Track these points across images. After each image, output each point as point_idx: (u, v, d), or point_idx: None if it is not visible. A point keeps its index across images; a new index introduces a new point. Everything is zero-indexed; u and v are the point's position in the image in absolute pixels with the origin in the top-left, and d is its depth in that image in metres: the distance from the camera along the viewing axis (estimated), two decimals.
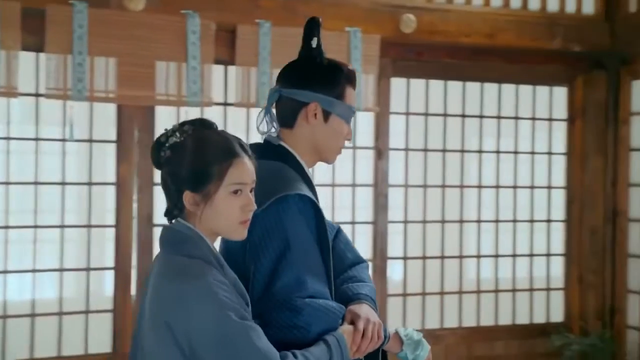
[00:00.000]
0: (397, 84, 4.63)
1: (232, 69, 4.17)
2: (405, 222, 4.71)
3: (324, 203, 2.00)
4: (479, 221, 4.90)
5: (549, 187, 5.08)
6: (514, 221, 4.98)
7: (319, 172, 4.01)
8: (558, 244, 5.10)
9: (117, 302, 4.05)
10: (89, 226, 4.14)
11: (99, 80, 3.81)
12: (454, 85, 4.82)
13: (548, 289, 5.05)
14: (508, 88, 4.94)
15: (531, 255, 5.03)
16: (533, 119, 5.03)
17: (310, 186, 1.81)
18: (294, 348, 1.58)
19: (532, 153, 5.04)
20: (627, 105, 4.91)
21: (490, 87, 4.91)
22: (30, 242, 4.01)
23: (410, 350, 1.81)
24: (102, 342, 4.06)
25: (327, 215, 1.87)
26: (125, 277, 4.04)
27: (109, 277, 4.14)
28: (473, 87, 4.87)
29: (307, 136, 1.83)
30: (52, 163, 4.15)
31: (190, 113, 4.06)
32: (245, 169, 1.60)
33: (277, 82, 1.87)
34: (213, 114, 4.23)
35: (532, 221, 5.03)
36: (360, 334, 1.69)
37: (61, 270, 4.07)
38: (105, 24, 3.81)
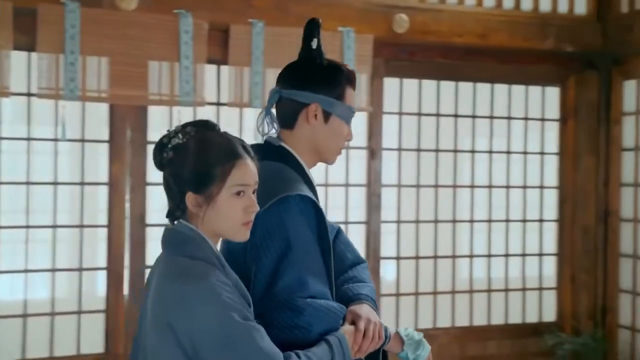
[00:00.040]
0: (390, 84, 4.63)
1: (224, 68, 4.16)
2: (398, 222, 4.72)
3: None
4: (471, 221, 4.91)
5: (542, 187, 5.09)
6: (507, 221, 4.99)
7: (312, 172, 4.00)
8: (550, 243, 5.11)
9: (109, 302, 4.03)
10: (81, 226, 4.13)
11: (91, 79, 3.80)
12: (447, 85, 4.83)
13: (540, 289, 5.06)
14: (501, 88, 4.95)
15: (524, 255, 5.04)
16: (525, 119, 5.04)
17: (311, 187, 1.82)
18: (295, 348, 1.58)
19: (525, 153, 5.06)
20: (619, 105, 4.93)
21: (483, 87, 4.92)
22: (22, 242, 3.99)
23: (411, 350, 1.82)
24: (94, 342, 4.05)
25: None
26: (118, 277, 4.03)
27: (102, 277, 4.13)
28: (466, 87, 4.88)
29: (307, 137, 1.84)
30: (44, 163, 4.13)
31: (183, 113, 4.05)
32: (248, 171, 1.60)
33: (277, 83, 1.87)
34: (206, 114, 4.22)
35: (524, 221, 5.04)
36: (362, 334, 1.70)
37: (53, 270, 4.05)
38: (97, 24, 3.80)
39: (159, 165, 1.63)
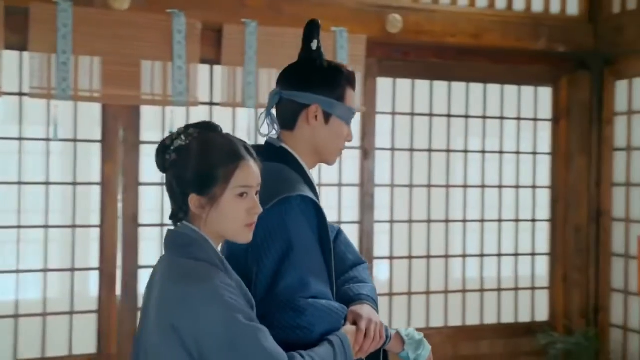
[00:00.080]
0: (383, 84, 4.64)
1: (218, 68, 4.16)
2: (392, 221, 4.72)
3: None
4: (464, 221, 4.92)
5: (534, 187, 5.10)
6: (499, 221, 5.00)
7: None
8: (543, 243, 5.13)
9: (102, 302, 4.02)
10: (73, 226, 4.11)
11: (84, 79, 3.79)
12: (440, 85, 4.84)
13: (533, 288, 5.07)
14: (493, 88, 4.96)
15: (516, 254, 5.05)
16: (518, 119, 5.06)
17: (312, 187, 1.83)
18: (297, 348, 1.59)
19: (517, 153, 5.07)
20: (611, 105, 4.95)
21: (476, 87, 4.93)
22: (14, 243, 3.97)
23: (412, 350, 1.83)
24: (86, 343, 4.03)
25: None
26: (110, 277, 4.02)
27: (94, 277, 4.11)
28: (459, 87, 4.89)
29: (307, 138, 1.84)
30: (36, 163, 4.11)
31: (176, 113, 4.05)
32: (251, 172, 1.60)
33: (277, 84, 1.88)
34: (199, 114, 4.21)
35: (517, 221, 5.06)
36: (363, 334, 1.72)
37: (45, 270, 4.04)
38: (89, 23, 3.79)
39: (162, 167, 1.63)
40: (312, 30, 1.88)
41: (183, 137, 1.61)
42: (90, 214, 4.27)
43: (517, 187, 5.07)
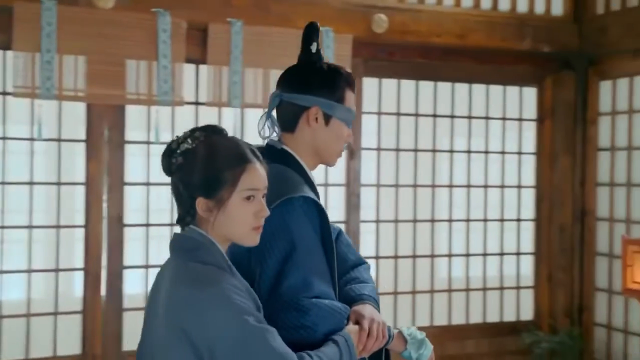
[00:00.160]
0: (369, 84, 4.64)
1: (203, 67, 4.14)
2: (377, 221, 4.73)
3: None
4: (450, 220, 4.93)
5: (519, 187, 5.13)
6: (485, 220, 5.02)
7: None
8: (528, 242, 5.15)
9: (86, 303, 4.00)
10: (57, 226, 4.08)
11: (68, 78, 3.77)
12: (426, 85, 4.85)
13: (518, 288, 5.10)
14: (479, 88, 4.98)
15: (502, 254, 5.08)
16: (503, 119, 5.08)
17: (313, 189, 1.84)
18: (301, 348, 1.60)
19: (503, 153, 5.09)
20: (595, 105, 4.98)
21: (461, 87, 4.94)
22: None
23: (414, 349, 1.85)
24: (71, 343, 4.01)
25: None
26: (95, 278, 3.99)
27: (79, 278, 4.09)
28: (444, 87, 4.90)
29: (308, 140, 1.86)
30: (20, 162, 4.08)
31: (161, 112, 4.03)
32: (258, 175, 1.60)
33: (277, 86, 1.89)
34: (184, 114, 4.20)
35: (502, 220, 5.08)
36: (366, 334, 1.73)
37: (29, 271, 4.01)
38: (74, 22, 3.77)
39: (168, 171, 1.63)
40: (311, 32, 1.90)
41: (189, 141, 1.60)
42: (74, 214, 4.24)
43: (502, 186, 5.09)
